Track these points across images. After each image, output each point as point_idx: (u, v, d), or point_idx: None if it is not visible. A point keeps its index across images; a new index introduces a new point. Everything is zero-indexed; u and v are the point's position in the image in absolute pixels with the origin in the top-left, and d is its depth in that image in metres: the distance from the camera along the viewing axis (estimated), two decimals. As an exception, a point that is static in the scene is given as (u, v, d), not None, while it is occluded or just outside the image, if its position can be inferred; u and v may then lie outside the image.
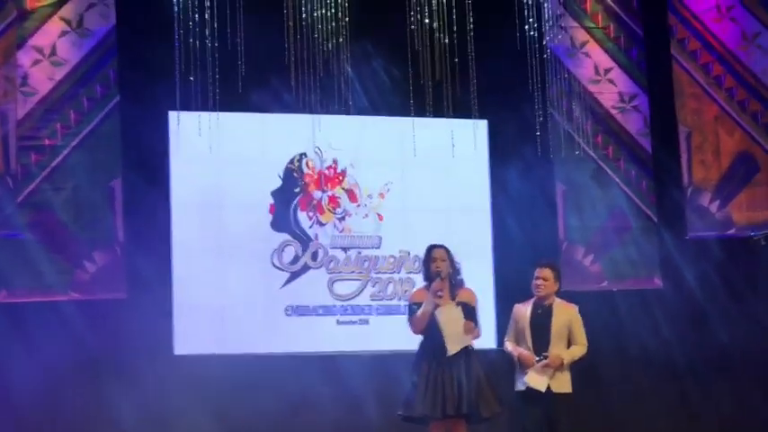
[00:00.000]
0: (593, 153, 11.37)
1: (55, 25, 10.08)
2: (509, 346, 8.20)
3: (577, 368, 8.47)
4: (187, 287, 10.35)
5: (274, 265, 10.70)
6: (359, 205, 11.01)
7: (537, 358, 8.06)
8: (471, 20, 10.00)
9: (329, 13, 9.61)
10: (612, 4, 11.64)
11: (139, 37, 10.30)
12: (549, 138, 11.03)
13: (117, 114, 10.17)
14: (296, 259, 10.77)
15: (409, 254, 10.91)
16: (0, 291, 9.75)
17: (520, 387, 8.12)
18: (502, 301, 10.31)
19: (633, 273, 11.42)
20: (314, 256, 10.82)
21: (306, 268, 10.78)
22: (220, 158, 10.46)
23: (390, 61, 11.01)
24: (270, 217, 10.75)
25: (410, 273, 10.85)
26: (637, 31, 11.68)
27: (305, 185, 10.87)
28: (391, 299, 10.93)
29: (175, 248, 10.39)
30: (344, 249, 10.92)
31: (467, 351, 7.82)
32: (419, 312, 7.82)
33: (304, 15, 9.57)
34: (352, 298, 10.88)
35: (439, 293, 7.80)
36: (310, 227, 10.85)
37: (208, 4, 9.47)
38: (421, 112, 10.51)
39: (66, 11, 10.10)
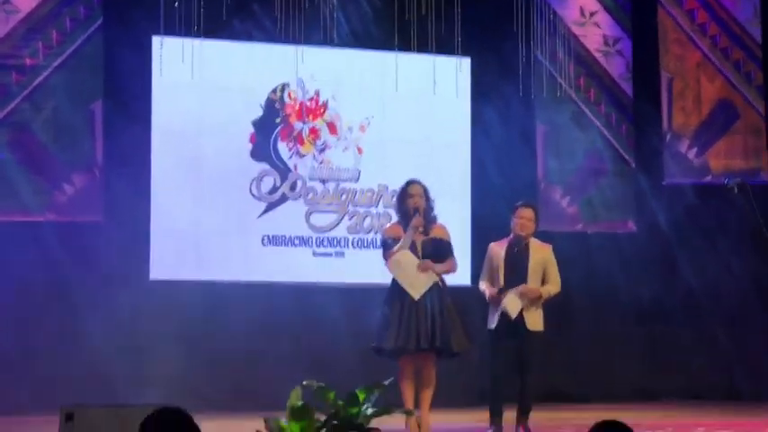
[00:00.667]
0: (575, 95, 11.41)
1: (39, -56, 9.98)
2: (483, 285, 8.23)
3: (548, 308, 8.55)
4: (164, 213, 10.37)
5: (252, 195, 10.72)
6: (339, 138, 11.01)
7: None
8: (459, -44, 9.97)
9: (317, -56, 9.55)
10: (600, -52, 11.61)
11: (125, -41, 10.24)
12: (531, 78, 11.04)
13: (100, 36, 10.12)
14: (274, 189, 10.79)
15: (387, 188, 10.93)
16: (-24, 209, 9.75)
17: (490, 325, 8.16)
18: (478, 238, 10.37)
19: (608, 216, 11.51)
20: (292, 187, 10.83)
21: (284, 198, 10.81)
22: (202, 85, 10.45)
23: (376, -6, 10.99)
24: (250, 146, 10.74)
25: (387, 207, 10.86)
26: (623, -25, 11.68)
27: (286, 116, 10.86)
28: (368, 232, 10.99)
29: (154, 174, 10.38)
30: (323, 181, 10.94)
31: (438, 288, 7.87)
32: (396, 248, 7.85)
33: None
34: (329, 230, 10.92)
35: (420, 229, 7.84)
36: (290, 157, 10.86)
37: (195, -71, 9.41)
38: (405, 47, 10.50)
39: (51, -70, 10.00)
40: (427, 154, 11.08)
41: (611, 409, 10.02)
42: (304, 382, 5.71)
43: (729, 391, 11.73)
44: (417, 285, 7.79)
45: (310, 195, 10.89)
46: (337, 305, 10.60)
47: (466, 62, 11.16)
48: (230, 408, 10.23)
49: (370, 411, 5.63)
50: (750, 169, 11.46)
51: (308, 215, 10.87)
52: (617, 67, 11.60)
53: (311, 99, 10.96)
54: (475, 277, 9.02)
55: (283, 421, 5.50)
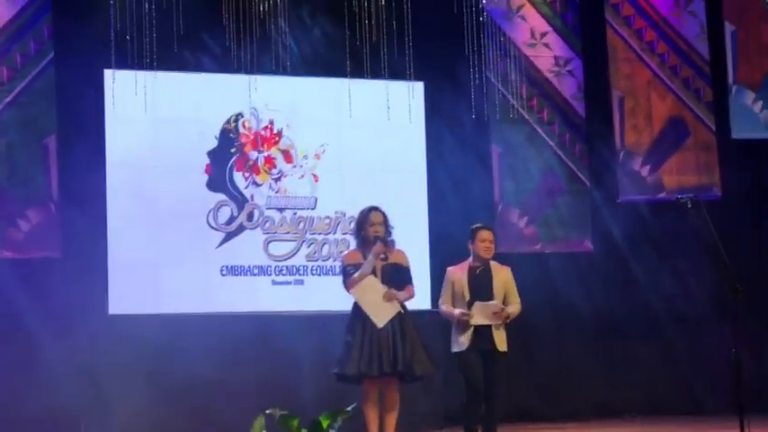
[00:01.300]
0: (528, 116, 11.48)
1: (-13, -20, 9.94)
2: (445, 308, 8.21)
3: (510, 328, 8.57)
4: (122, 246, 10.30)
5: (210, 225, 10.69)
6: (294, 166, 11.01)
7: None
8: (409, -18, 10.04)
9: (266, -27, 9.58)
10: (548, -30, 11.72)
11: (75, -7, 10.21)
12: (484, 100, 11.10)
13: (52, 71, 10.06)
14: (231, 219, 10.77)
15: (345, 215, 10.94)
16: (-69, 249, 9.66)
17: (458, 348, 8.12)
18: (436, 262, 10.39)
19: (565, 235, 11.56)
20: (249, 217, 10.82)
21: (241, 228, 10.79)
22: (156, 118, 10.43)
23: (327, 22, 11.01)
24: (206, 177, 10.71)
25: (345, 234, 10.87)
26: (572, -4, 11.80)
27: (241, 146, 10.85)
28: (326, 260, 10.98)
29: (110, 207, 10.32)
30: (280, 210, 10.93)
31: (400, 313, 7.88)
32: (357, 274, 7.86)
33: (241, -26, 9.54)
34: (288, 258, 10.91)
35: (382, 256, 7.85)
36: (246, 187, 10.84)
37: (144, -38, 9.41)
38: (357, 74, 10.55)
39: (-1, -34, 9.97)
40: (383, 179, 11.09)
41: (574, 427, 10.08)
42: (267, 411, 5.71)
43: (690, 405, 11.80)
44: (382, 314, 7.81)
45: (268, 224, 10.87)
46: (298, 333, 10.57)
47: (419, 86, 11.21)
48: (194, 440, 10.19)
49: (334, 438, 5.63)
50: (702, 185, 11.56)
51: (266, 244, 10.85)
52: (569, 88, 11.69)
53: (266, 128, 10.96)
54: (435, 300, 9.02)
55: (248, 451, 5.50)
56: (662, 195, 11.61)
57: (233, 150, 10.83)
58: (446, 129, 11.40)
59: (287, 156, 10.99)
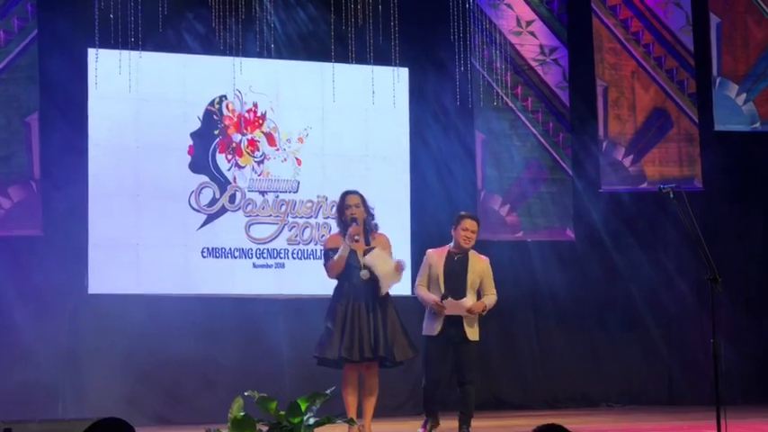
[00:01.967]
0: (513, 104, 11.48)
1: (-29, -43, 9.88)
2: (421, 291, 8.24)
3: (490, 316, 8.60)
4: (103, 226, 10.27)
5: (192, 207, 10.66)
6: (278, 149, 10.99)
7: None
8: (395, -33, 10.02)
9: (253, -45, 9.56)
10: (534, -42, 11.72)
11: (59, -29, 10.16)
12: (469, 87, 11.09)
13: (35, 49, 10.00)
14: (213, 201, 10.74)
15: (326, 199, 10.93)
16: None
17: (428, 332, 8.19)
18: (418, 248, 10.39)
19: (547, 223, 11.58)
20: (231, 199, 10.80)
21: (223, 210, 10.76)
22: (139, 98, 10.40)
23: (313, 6, 11.00)
24: (188, 158, 10.68)
25: (327, 218, 10.87)
26: (558, -16, 11.80)
27: (224, 128, 10.83)
28: (308, 243, 10.97)
29: (92, 187, 10.28)
30: (262, 193, 10.91)
31: (382, 297, 7.89)
32: (335, 257, 7.86)
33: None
34: (269, 241, 10.89)
35: (356, 238, 7.85)
36: (229, 169, 10.82)
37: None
38: (342, 58, 10.53)
39: (-17, -58, 9.91)
40: (366, 164, 11.10)
41: (552, 415, 10.09)
42: (246, 393, 5.70)
43: (669, 396, 11.87)
44: (390, 281, 7.82)
45: (249, 207, 10.86)
46: (278, 316, 10.59)
47: (404, 72, 11.20)
48: (171, 420, 10.19)
49: (312, 421, 5.63)
50: (684, 176, 11.59)
51: (247, 227, 10.83)
52: (554, 76, 11.69)
53: (249, 111, 10.94)
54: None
55: (225, 432, 5.49)
56: (644, 186, 11.64)
57: (216, 132, 10.80)
58: (430, 115, 11.42)
59: (270, 139, 10.97)
